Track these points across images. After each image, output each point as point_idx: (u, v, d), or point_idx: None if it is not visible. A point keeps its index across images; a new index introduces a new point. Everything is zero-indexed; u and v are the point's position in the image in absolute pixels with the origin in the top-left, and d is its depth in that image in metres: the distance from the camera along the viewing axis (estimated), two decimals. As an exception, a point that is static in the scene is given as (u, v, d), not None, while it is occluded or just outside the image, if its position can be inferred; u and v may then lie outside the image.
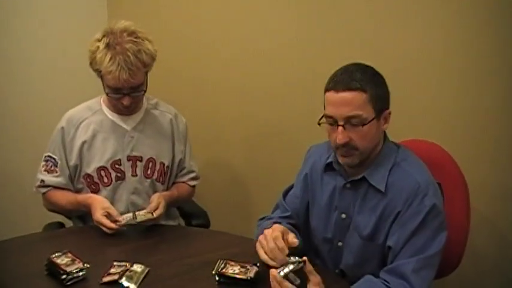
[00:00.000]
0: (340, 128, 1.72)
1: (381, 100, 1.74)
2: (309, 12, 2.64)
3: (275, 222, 1.96)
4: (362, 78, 1.70)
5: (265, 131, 2.93)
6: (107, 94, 2.26)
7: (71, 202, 2.32)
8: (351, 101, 1.69)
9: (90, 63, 2.24)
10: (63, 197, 2.35)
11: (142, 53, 2.19)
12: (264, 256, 1.71)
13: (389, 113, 1.79)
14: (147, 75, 2.28)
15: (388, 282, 1.67)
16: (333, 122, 1.74)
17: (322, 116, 1.77)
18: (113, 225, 2.10)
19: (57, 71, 3.30)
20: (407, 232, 1.70)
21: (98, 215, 2.13)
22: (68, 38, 3.28)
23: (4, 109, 3.16)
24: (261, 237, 1.75)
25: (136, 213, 2.17)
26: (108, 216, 2.13)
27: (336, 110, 1.72)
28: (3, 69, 3.12)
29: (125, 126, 2.37)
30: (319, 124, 1.78)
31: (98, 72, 2.23)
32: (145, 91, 2.30)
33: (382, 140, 1.83)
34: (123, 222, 2.13)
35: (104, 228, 2.11)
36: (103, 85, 2.26)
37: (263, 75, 2.88)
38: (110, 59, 2.15)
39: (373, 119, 1.72)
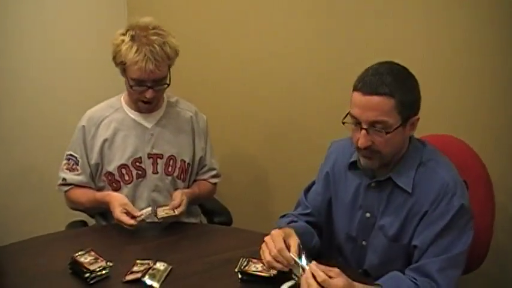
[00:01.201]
0: (363, 131, 1.68)
1: (409, 107, 1.68)
2: (327, 11, 2.64)
3: (292, 221, 1.96)
4: (392, 82, 1.64)
5: (286, 128, 2.92)
6: (131, 87, 2.25)
7: (91, 200, 2.33)
8: (377, 106, 1.64)
9: (114, 57, 2.25)
10: (83, 195, 2.36)
11: (167, 45, 2.21)
12: (268, 258, 1.69)
13: (418, 119, 1.74)
14: (169, 70, 2.28)
15: (415, 279, 1.66)
16: (357, 123, 1.70)
17: (347, 115, 1.73)
18: (132, 221, 2.11)
19: (78, 68, 3.32)
20: (434, 232, 1.68)
21: (117, 212, 2.14)
22: (89, 37, 3.30)
23: (29, 108, 3.18)
24: (263, 246, 1.73)
25: (158, 209, 2.18)
26: (127, 213, 2.14)
27: (361, 113, 1.68)
28: (26, 68, 3.14)
29: (145, 123, 2.37)
30: (343, 123, 1.74)
31: (122, 64, 2.23)
32: (168, 85, 2.30)
33: (407, 142, 1.79)
34: (142, 217, 2.13)
35: (124, 225, 2.12)
36: (126, 79, 2.26)
37: (283, 73, 2.87)
38: (136, 50, 2.16)
39: (398, 127, 1.67)
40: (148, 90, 2.24)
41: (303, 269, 1.59)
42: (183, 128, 2.44)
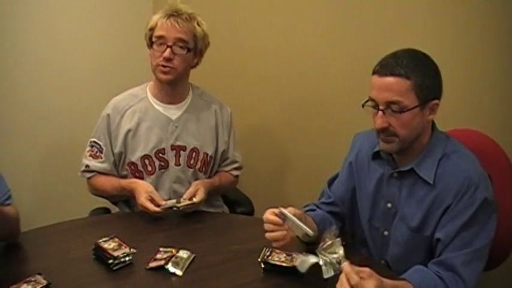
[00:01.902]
0: (380, 112, 1.72)
1: (427, 89, 1.69)
2: (345, 6, 2.64)
3: (311, 210, 1.99)
4: (408, 65, 1.68)
5: (310, 119, 2.91)
6: (152, 45, 2.29)
7: (115, 187, 2.35)
8: (392, 87, 1.68)
9: (146, 33, 2.33)
10: (108, 182, 2.37)
11: (194, 20, 2.30)
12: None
13: (437, 104, 1.74)
14: (196, 52, 2.34)
15: (439, 273, 1.65)
16: (375, 105, 1.73)
17: (368, 100, 1.76)
18: (156, 209, 2.13)
19: (103, 60, 3.35)
20: (458, 225, 1.67)
21: (142, 199, 2.15)
22: (115, 32, 3.35)
23: (56, 95, 3.21)
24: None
25: (180, 199, 2.20)
26: (152, 200, 2.16)
27: (377, 94, 1.71)
28: (55, 58, 3.18)
29: (170, 115, 2.38)
30: (363, 106, 1.78)
31: (151, 31, 2.30)
32: (189, 50, 2.30)
33: (429, 130, 1.79)
34: (166, 206, 2.15)
35: (148, 212, 2.14)
36: (150, 45, 2.31)
37: (307, 66, 2.86)
38: (165, 15, 2.28)
39: (415, 107, 1.68)
40: (166, 50, 2.25)
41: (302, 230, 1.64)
42: (207, 120, 2.45)
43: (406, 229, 1.80)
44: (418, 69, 1.68)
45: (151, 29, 2.29)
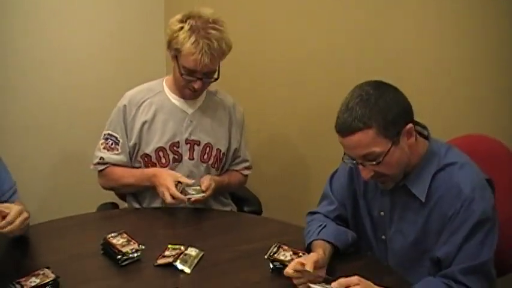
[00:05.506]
0: (360, 166, 1.70)
1: (393, 124, 1.62)
2: (363, 16, 2.62)
3: (321, 226, 1.91)
4: (364, 113, 1.60)
5: (319, 120, 2.89)
6: (181, 75, 2.26)
7: (135, 175, 2.35)
8: (358, 143, 1.63)
9: (169, 42, 2.26)
10: (126, 172, 2.37)
11: (223, 41, 2.22)
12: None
13: (412, 127, 1.67)
14: (219, 64, 2.31)
15: (448, 283, 1.63)
16: (353, 159, 1.71)
17: (344, 153, 1.74)
18: (172, 200, 2.15)
19: (113, 55, 3.36)
20: (457, 242, 1.64)
21: (169, 182, 2.18)
22: (126, 31, 3.34)
23: (68, 90, 3.23)
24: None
25: (187, 188, 2.22)
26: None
27: (349, 152, 1.70)
28: (70, 51, 3.21)
29: (185, 109, 2.38)
30: (343, 160, 1.76)
31: (177, 51, 2.23)
32: (217, 79, 2.31)
33: (417, 150, 1.73)
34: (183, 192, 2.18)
35: (167, 194, 2.15)
36: (177, 65, 2.26)
37: (318, 70, 2.85)
38: (194, 41, 2.17)
39: (389, 149, 1.63)
40: (197, 81, 2.25)
41: None
42: (221, 118, 2.45)
43: (404, 242, 1.79)
44: (374, 112, 1.61)
45: (178, 50, 2.21)
